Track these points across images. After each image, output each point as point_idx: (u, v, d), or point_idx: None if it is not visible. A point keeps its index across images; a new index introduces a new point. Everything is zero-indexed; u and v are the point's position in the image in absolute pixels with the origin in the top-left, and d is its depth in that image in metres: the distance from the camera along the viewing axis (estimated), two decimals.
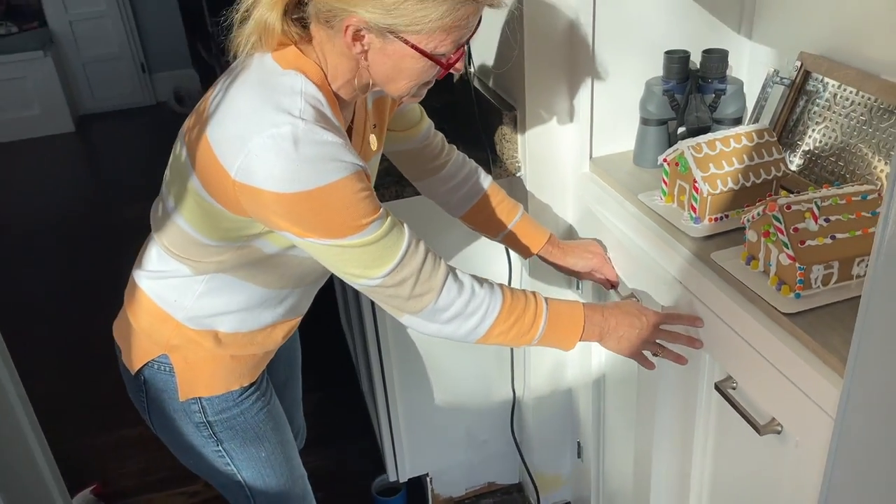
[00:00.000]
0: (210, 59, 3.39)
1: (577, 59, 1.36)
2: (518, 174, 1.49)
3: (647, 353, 1.15)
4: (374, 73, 0.96)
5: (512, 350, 1.71)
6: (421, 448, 1.86)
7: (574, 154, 1.45)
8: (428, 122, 1.28)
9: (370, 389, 2.01)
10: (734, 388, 1.10)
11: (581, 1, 1.30)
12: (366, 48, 0.92)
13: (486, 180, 1.31)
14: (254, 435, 1.18)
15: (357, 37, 0.91)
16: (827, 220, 0.99)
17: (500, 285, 1.06)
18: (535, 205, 1.49)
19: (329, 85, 0.97)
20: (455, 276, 1.02)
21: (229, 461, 1.18)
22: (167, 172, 1.06)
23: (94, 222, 3.63)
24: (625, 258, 1.32)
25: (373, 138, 1.13)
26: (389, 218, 0.97)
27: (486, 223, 1.32)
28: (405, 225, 0.99)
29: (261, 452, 1.20)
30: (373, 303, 1.63)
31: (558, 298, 1.10)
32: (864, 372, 0.79)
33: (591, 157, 1.44)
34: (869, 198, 1.02)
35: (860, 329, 0.77)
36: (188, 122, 1.01)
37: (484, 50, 1.59)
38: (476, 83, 1.62)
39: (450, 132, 1.60)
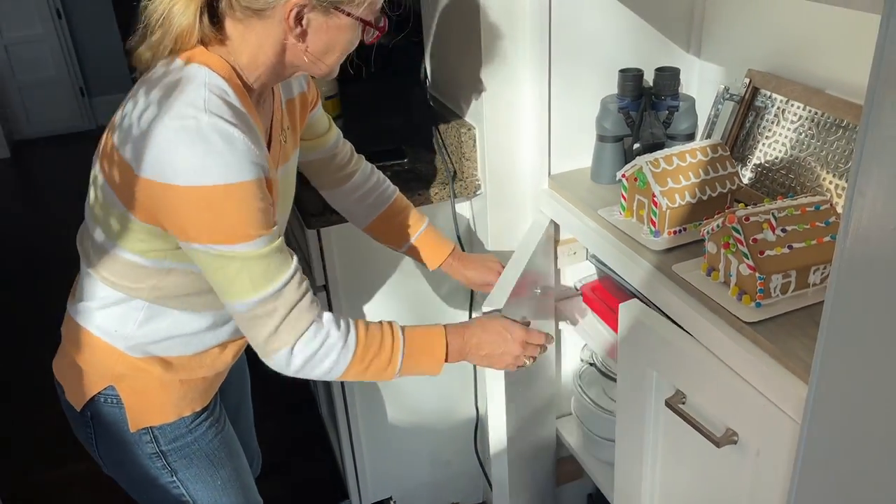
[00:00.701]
0: None
1: (534, 78, 1.38)
2: (479, 192, 1.50)
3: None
4: (311, 51, 0.96)
5: (475, 368, 1.71)
6: (384, 470, 1.84)
7: (533, 171, 1.46)
8: (336, 132, 1.29)
9: (330, 413, 1.98)
10: (684, 403, 1.12)
11: (537, 21, 1.33)
12: (305, 27, 0.93)
13: (392, 191, 1.34)
14: (208, 462, 1.14)
15: (298, 18, 0.92)
16: (784, 231, 1.03)
17: (357, 325, 1.02)
18: (497, 222, 1.50)
19: (240, 78, 0.96)
20: (319, 319, 0.98)
21: (184, 492, 1.15)
22: (88, 197, 1.03)
23: (30, 250, 3.51)
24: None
25: (288, 140, 1.12)
26: (280, 240, 0.95)
27: (391, 234, 1.34)
28: (293, 256, 0.98)
29: (216, 480, 1.17)
30: None
31: (419, 326, 1.08)
32: (828, 375, 0.81)
33: (549, 173, 1.46)
34: (822, 208, 1.06)
35: (824, 333, 0.79)
36: (103, 139, 0.99)
37: (441, 68, 1.60)
38: (434, 103, 1.63)
39: (410, 152, 1.60)
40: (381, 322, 1.05)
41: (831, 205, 1.07)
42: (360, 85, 2.00)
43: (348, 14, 0.94)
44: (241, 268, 0.92)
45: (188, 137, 0.86)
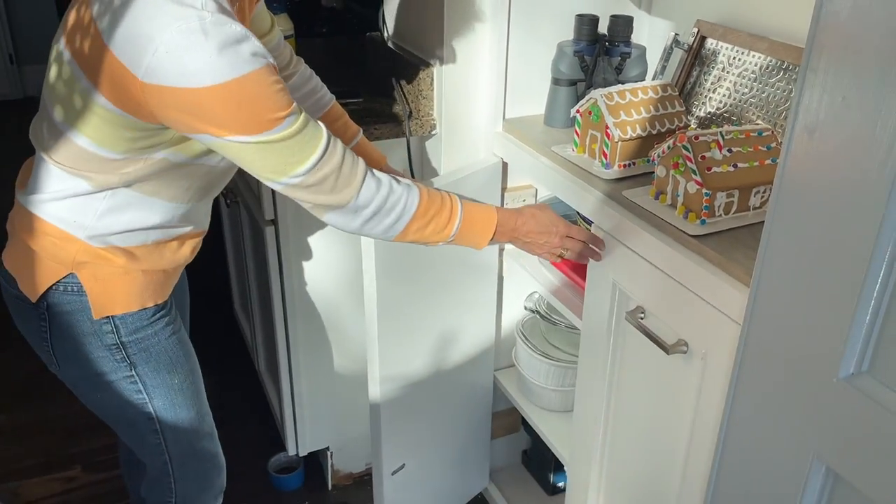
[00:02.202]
0: None
1: (493, 21, 1.41)
2: (434, 132, 1.52)
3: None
4: None
5: None
6: (322, 421, 1.82)
7: (488, 113, 1.49)
8: (278, 33, 1.28)
9: (269, 367, 1.96)
10: (643, 318, 1.17)
11: None
12: None
13: (328, 99, 1.35)
14: (167, 359, 1.13)
15: None
16: (730, 151, 1.08)
17: (417, 183, 1.08)
18: (450, 163, 1.52)
19: None
20: (373, 173, 1.03)
21: (141, 388, 1.12)
22: (45, 90, 1.01)
23: None
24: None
25: None
26: (303, 114, 0.96)
27: None
28: (321, 123, 0.99)
29: (174, 379, 1.15)
30: (281, 267, 1.60)
31: (476, 202, 1.14)
32: (768, 277, 0.86)
33: (504, 117, 1.49)
34: (764, 134, 1.13)
35: (766, 236, 0.84)
36: (68, 33, 0.96)
37: (400, 16, 1.62)
38: (392, 46, 1.65)
39: (367, 93, 1.61)
40: (438, 189, 1.10)
41: (772, 132, 1.14)
42: (313, 41, 2.01)
43: None
44: (280, 149, 0.94)
45: (196, 39, 0.85)
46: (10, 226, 1.10)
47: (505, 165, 1.51)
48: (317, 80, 1.34)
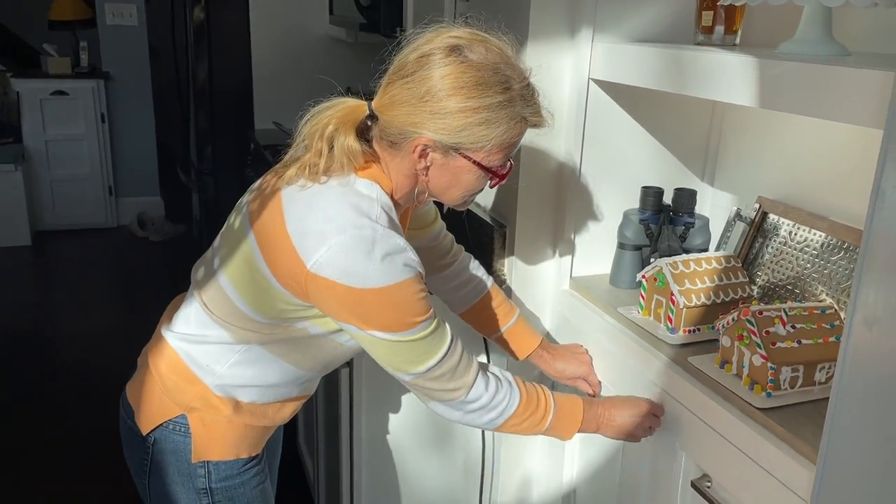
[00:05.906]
0: (189, 183, 3.53)
1: (564, 189, 1.53)
2: (503, 287, 1.61)
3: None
4: (432, 185, 1.09)
5: (483, 464, 1.74)
6: None
7: (556, 272, 1.58)
8: (440, 224, 1.39)
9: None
10: (709, 486, 1.18)
11: (571, 136, 1.49)
12: (429, 164, 1.06)
13: (487, 282, 1.42)
14: None
15: (423, 154, 1.04)
16: (794, 327, 1.12)
17: (518, 382, 1.16)
18: None
19: (393, 194, 1.10)
20: (484, 373, 1.12)
21: None
22: (218, 239, 1.14)
23: (33, 335, 3.55)
24: (603, 365, 1.42)
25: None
26: (437, 318, 1.07)
27: (482, 324, 1.42)
28: (447, 325, 1.10)
29: None
30: (352, 411, 1.67)
31: (559, 393, 1.20)
32: (835, 455, 0.88)
33: (571, 275, 1.57)
34: (827, 312, 1.17)
35: (832, 415, 0.87)
36: (252, 202, 1.10)
37: None
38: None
39: None
40: (533, 383, 1.17)
41: (836, 310, 1.18)
42: None
43: (466, 157, 1.04)
44: (408, 348, 1.05)
45: (366, 246, 0.99)
46: (143, 358, 1.20)
47: None
48: (474, 266, 1.43)
